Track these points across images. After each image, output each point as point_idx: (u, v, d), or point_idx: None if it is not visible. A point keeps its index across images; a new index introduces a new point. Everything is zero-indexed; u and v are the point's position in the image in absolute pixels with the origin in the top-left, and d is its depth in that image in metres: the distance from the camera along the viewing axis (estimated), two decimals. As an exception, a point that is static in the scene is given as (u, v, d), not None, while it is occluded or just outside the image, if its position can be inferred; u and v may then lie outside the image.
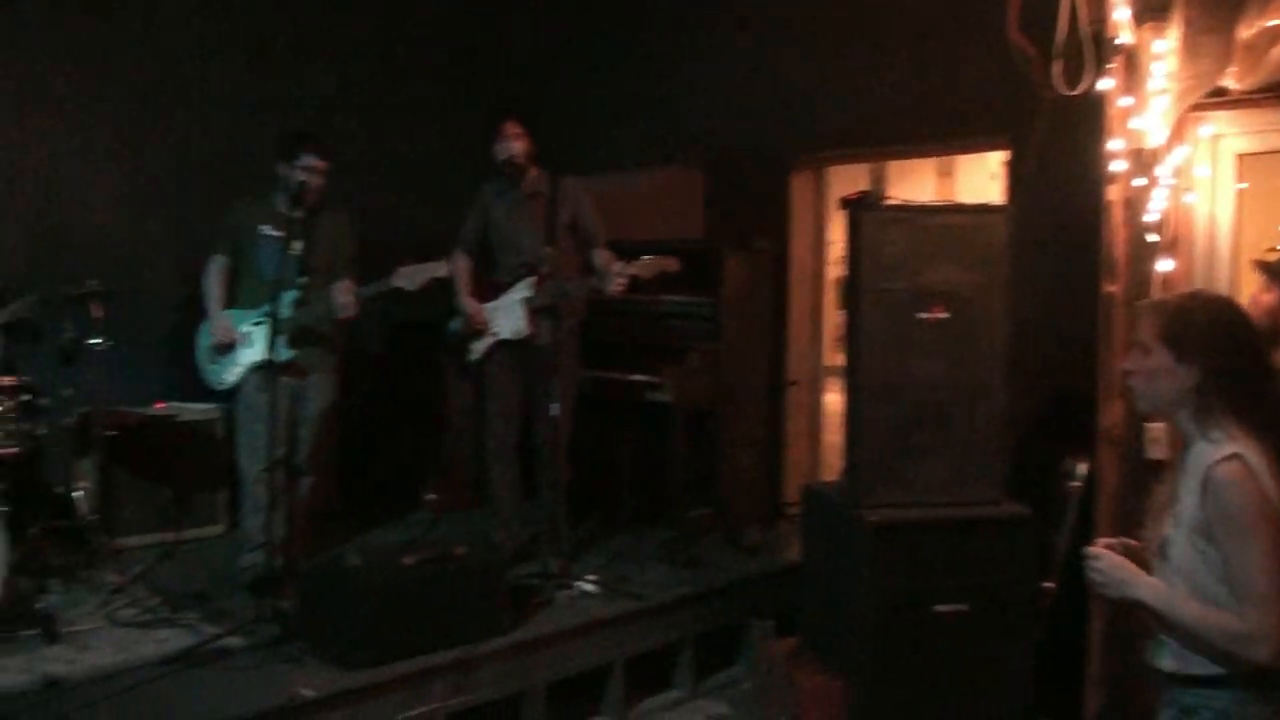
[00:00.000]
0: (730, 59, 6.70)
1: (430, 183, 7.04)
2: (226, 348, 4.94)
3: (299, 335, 4.81)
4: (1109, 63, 3.85)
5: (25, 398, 4.56)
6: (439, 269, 4.73)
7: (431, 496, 6.63)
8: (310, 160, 4.83)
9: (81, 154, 6.00)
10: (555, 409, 5.01)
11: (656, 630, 4.89)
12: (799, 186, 6.55)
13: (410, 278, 4.66)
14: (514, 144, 5.14)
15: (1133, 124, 3.78)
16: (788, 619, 4.75)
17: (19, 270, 5.47)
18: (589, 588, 4.93)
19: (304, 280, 4.72)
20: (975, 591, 4.11)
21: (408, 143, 7.18)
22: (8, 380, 4.55)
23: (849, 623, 4.21)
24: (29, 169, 5.81)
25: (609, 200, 6.27)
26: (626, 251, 5.20)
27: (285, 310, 4.69)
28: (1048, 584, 2.91)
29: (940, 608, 4.09)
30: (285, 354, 4.73)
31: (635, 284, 5.03)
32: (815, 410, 6.70)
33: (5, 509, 4.24)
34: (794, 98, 6.37)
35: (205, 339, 5.03)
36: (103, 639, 4.24)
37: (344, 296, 4.75)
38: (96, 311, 4.88)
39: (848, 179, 6.47)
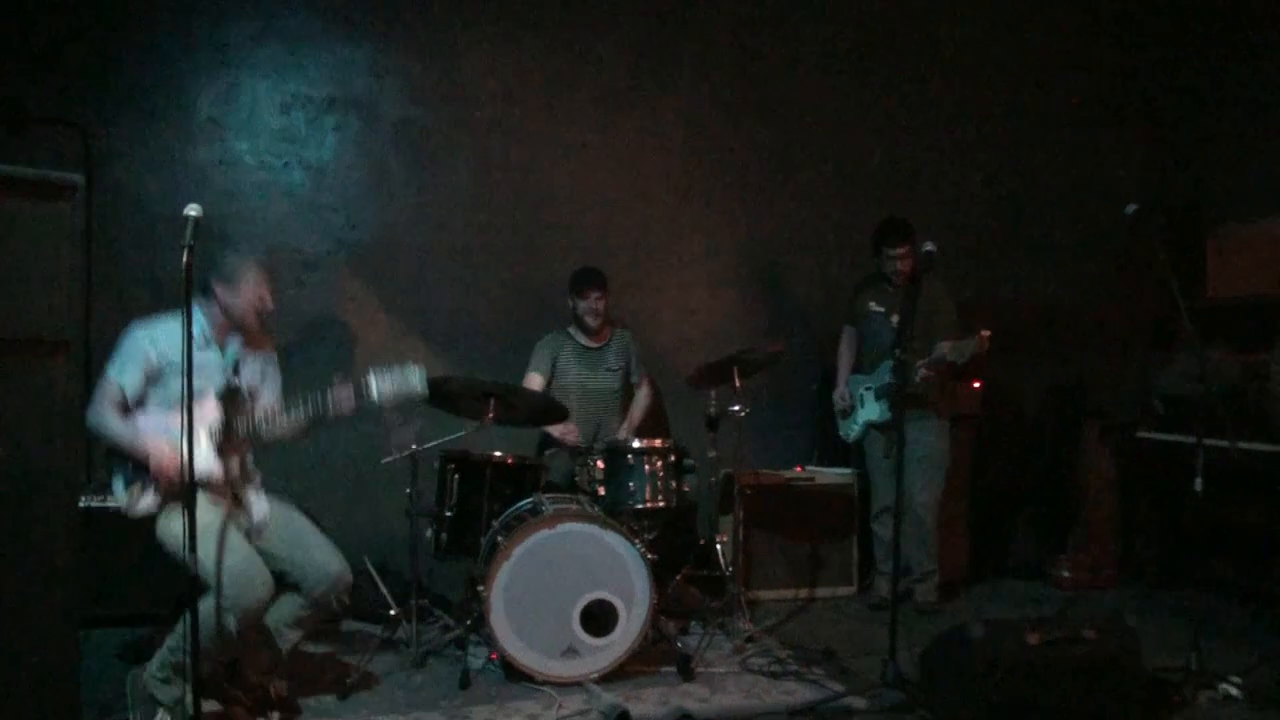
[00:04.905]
0: None
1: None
2: (846, 410, 5.91)
3: (896, 398, 5.04)
4: None
5: (674, 458, 5.03)
6: (979, 345, 5.14)
7: (1065, 573, 6.33)
8: (890, 250, 5.66)
9: (731, 242, 6.60)
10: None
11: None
12: None
13: (959, 350, 5.21)
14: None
15: None
16: None
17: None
18: (1234, 692, 4.39)
19: (898, 348, 4.84)
20: None
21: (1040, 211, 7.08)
22: (660, 442, 5.06)
23: None
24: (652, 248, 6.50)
25: (1272, 247, 5.75)
26: None
27: (885, 376, 5.58)
28: None
29: None
30: (885, 415, 5.65)
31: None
32: None
33: (654, 557, 4.68)
34: None
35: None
36: (734, 684, 4.53)
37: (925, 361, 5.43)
38: (737, 380, 5.28)
39: None
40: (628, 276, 6.06)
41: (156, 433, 3.79)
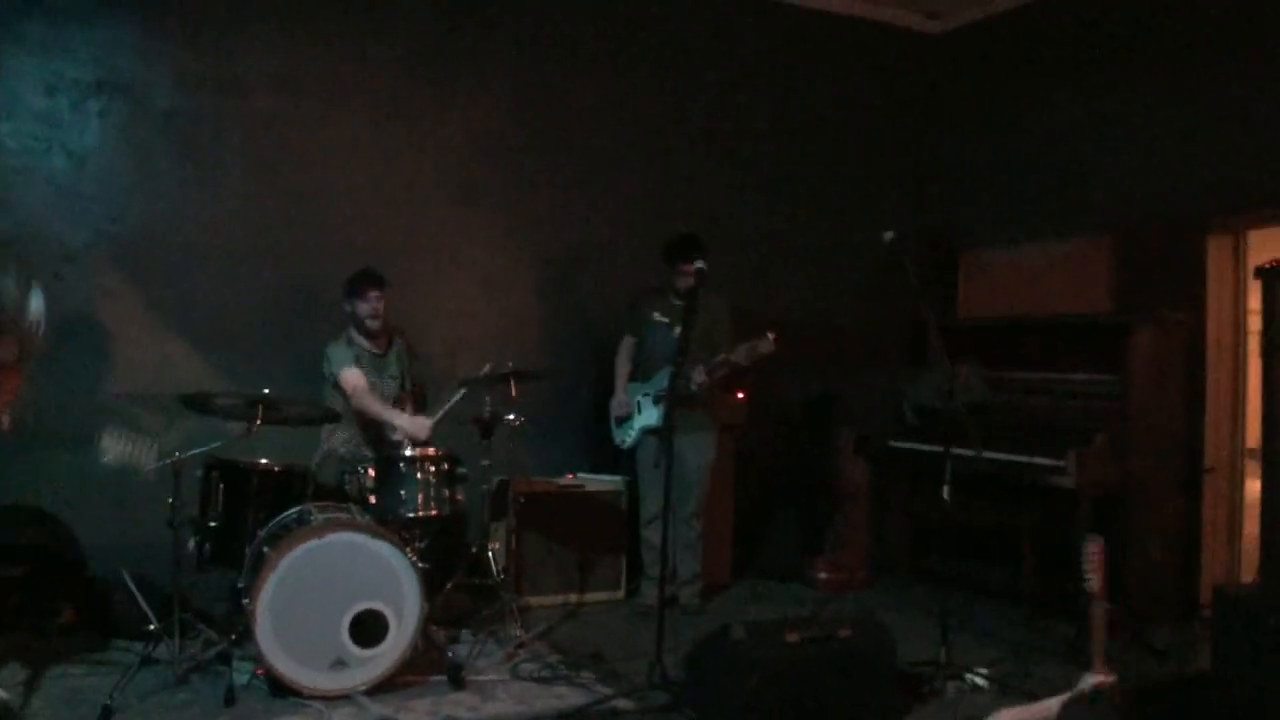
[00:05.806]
0: (1140, 118, 6.39)
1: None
2: (623, 418, 6.02)
3: (671, 403, 5.05)
4: None
5: (447, 466, 5.03)
6: (766, 346, 5.38)
7: (823, 575, 6.64)
8: (683, 265, 5.64)
9: (509, 249, 6.61)
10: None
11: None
12: (1216, 252, 6.05)
13: (743, 353, 5.47)
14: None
15: None
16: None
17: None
18: (980, 682, 4.72)
19: (678, 358, 5.06)
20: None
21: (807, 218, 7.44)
22: (433, 451, 5.04)
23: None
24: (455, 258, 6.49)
25: (1014, 274, 6.16)
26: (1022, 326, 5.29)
27: (663, 384, 5.49)
28: None
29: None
30: (661, 422, 5.28)
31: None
32: (1235, 500, 6.08)
33: (425, 566, 4.66)
34: (1210, 156, 5.99)
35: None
36: (505, 691, 4.57)
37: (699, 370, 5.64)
38: (513, 390, 5.32)
39: (1272, 244, 5.83)
40: (403, 278, 5.95)
41: None
